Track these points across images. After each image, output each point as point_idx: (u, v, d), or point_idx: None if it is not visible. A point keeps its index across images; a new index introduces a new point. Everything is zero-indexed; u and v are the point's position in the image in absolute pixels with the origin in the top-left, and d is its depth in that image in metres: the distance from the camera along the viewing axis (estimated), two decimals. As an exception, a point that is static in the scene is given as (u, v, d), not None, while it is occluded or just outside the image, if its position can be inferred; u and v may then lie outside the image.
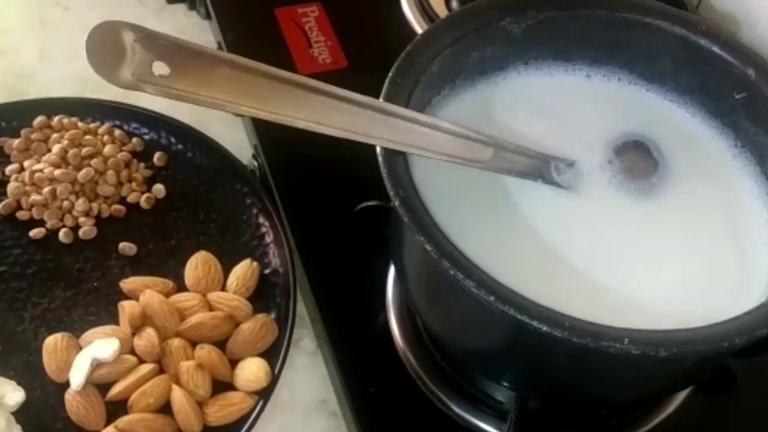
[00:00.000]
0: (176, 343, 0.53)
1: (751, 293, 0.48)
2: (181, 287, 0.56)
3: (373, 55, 0.70)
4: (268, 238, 0.58)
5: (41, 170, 0.60)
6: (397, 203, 0.44)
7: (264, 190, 0.59)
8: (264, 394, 0.52)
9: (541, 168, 0.51)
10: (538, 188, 0.51)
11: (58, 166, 0.60)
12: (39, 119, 0.63)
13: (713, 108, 0.54)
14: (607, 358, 0.45)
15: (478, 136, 0.49)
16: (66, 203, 0.60)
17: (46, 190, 0.60)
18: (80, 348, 0.54)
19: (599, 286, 0.48)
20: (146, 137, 0.64)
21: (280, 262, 0.56)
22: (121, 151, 0.62)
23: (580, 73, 0.56)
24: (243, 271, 0.56)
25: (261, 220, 0.59)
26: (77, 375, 0.52)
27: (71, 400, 0.52)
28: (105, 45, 0.39)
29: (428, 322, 0.56)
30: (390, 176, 0.45)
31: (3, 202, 0.60)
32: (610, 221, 0.51)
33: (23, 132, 0.63)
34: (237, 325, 0.54)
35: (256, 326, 0.53)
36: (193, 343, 0.53)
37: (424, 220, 0.44)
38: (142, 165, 0.63)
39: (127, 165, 0.62)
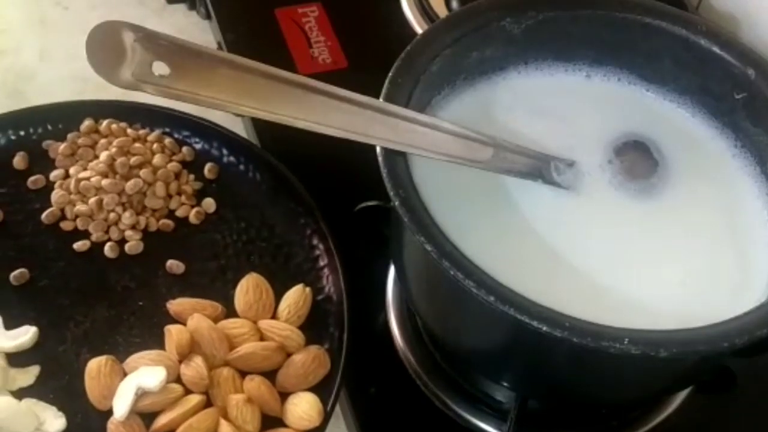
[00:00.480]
0: (225, 373, 0.50)
1: (751, 293, 0.48)
2: (230, 311, 0.53)
3: (373, 55, 0.70)
4: (322, 262, 0.55)
5: (88, 178, 0.57)
6: (397, 203, 0.44)
7: (319, 210, 0.56)
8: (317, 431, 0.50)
9: (541, 168, 0.51)
10: (538, 188, 0.51)
11: (105, 175, 0.57)
12: (86, 123, 0.60)
13: (713, 108, 0.54)
14: (607, 358, 0.45)
15: (478, 136, 0.49)
16: (112, 215, 0.57)
17: (92, 200, 0.56)
18: (124, 373, 0.51)
19: (599, 286, 0.48)
20: (197, 147, 0.60)
21: (334, 288, 0.53)
22: (171, 161, 0.58)
23: (580, 73, 0.56)
24: (296, 297, 0.53)
25: (315, 242, 0.55)
26: (121, 404, 0.49)
27: (114, 430, 0.49)
28: (105, 45, 0.39)
29: (428, 322, 0.56)
30: (390, 176, 0.45)
31: (47, 211, 0.57)
32: (610, 221, 0.51)
33: (69, 136, 0.60)
34: (288, 355, 0.51)
35: (308, 359, 0.51)
36: (242, 373, 0.51)
37: (424, 220, 0.44)
38: (192, 177, 0.59)
39: (177, 176, 0.59)
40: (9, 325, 0.53)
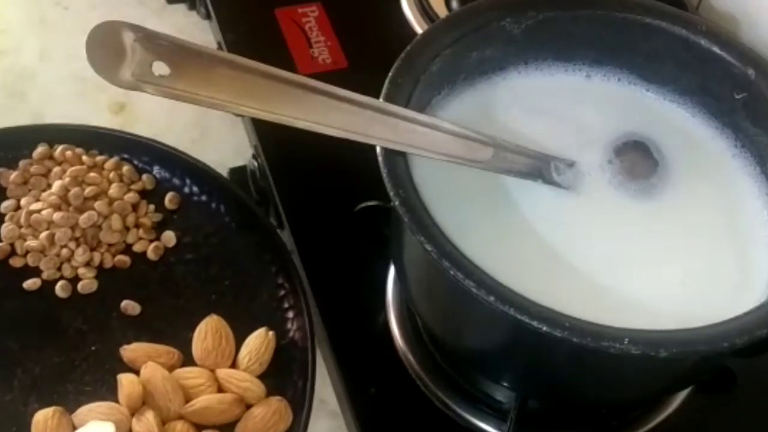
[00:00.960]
0: (179, 427, 0.48)
1: (751, 293, 0.48)
2: (187, 356, 0.51)
3: (373, 55, 0.70)
4: (287, 303, 0.52)
5: (39, 211, 0.54)
6: (397, 203, 0.44)
7: (285, 247, 0.53)
8: None
9: (541, 168, 0.51)
10: (538, 188, 0.51)
11: (57, 208, 0.54)
12: (39, 149, 0.57)
13: (713, 108, 0.54)
14: (607, 359, 0.45)
15: (478, 136, 0.49)
16: (65, 251, 0.53)
17: (43, 235, 0.53)
18: (73, 426, 0.48)
19: (599, 286, 0.48)
20: (158, 175, 0.57)
21: (299, 332, 0.50)
22: (129, 190, 0.56)
23: (580, 73, 0.56)
24: (257, 343, 0.50)
25: (280, 280, 0.52)
26: None
27: None
28: (105, 45, 0.39)
29: (428, 323, 0.56)
30: (390, 176, 0.45)
31: None
32: (610, 221, 0.51)
33: (21, 164, 0.56)
34: (247, 407, 0.49)
35: (268, 412, 0.48)
36: (198, 427, 0.48)
37: (424, 220, 0.44)
38: (151, 207, 0.56)
39: (135, 208, 0.56)
40: None
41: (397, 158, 0.46)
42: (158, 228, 0.55)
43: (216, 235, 0.55)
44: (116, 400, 0.49)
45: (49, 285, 0.54)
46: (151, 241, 0.55)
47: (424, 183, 0.47)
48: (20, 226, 0.54)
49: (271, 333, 0.51)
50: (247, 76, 0.42)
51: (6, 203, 0.55)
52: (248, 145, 0.71)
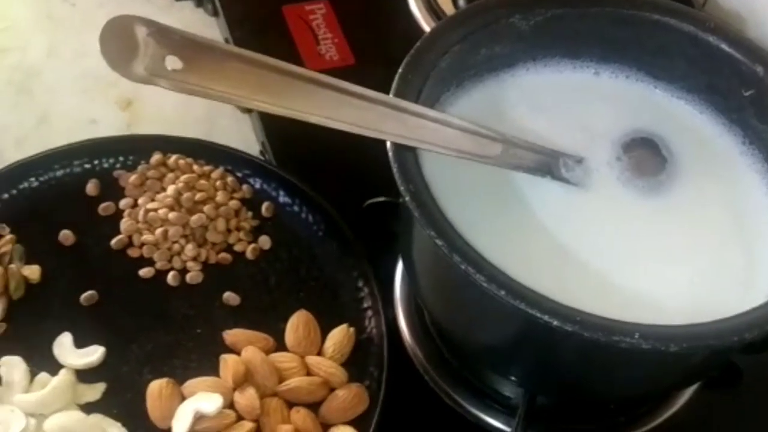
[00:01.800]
0: (274, 403, 0.54)
1: (759, 289, 0.48)
2: (279, 344, 0.57)
3: (379, 52, 0.71)
4: (366, 304, 0.58)
5: (155, 210, 0.61)
6: (407, 198, 0.44)
7: (365, 254, 0.59)
8: None
9: (550, 164, 0.51)
10: (547, 185, 0.51)
11: (171, 208, 0.61)
12: (156, 157, 0.64)
13: (721, 105, 0.55)
14: (616, 354, 0.45)
15: (487, 132, 0.49)
16: (176, 246, 0.60)
17: (158, 230, 0.60)
18: (183, 396, 0.54)
19: (607, 282, 0.48)
20: (256, 186, 0.64)
21: (376, 330, 0.57)
22: (232, 198, 0.62)
23: (588, 70, 0.56)
24: (340, 336, 0.56)
25: (360, 284, 0.59)
26: (181, 426, 0.52)
27: None
28: (118, 39, 0.39)
29: (437, 318, 0.56)
30: (400, 171, 0.45)
31: (116, 238, 0.61)
32: (619, 218, 0.51)
33: (140, 168, 0.63)
34: (331, 390, 0.55)
35: (349, 395, 0.54)
36: (289, 404, 0.54)
37: (434, 215, 0.44)
38: (250, 214, 0.63)
39: (237, 213, 0.62)
40: (79, 343, 0.56)
41: (408, 154, 0.46)
42: (255, 232, 0.62)
43: (305, 240, 0.62)
44: (218, 377, 0.55)
45: (161, 274, 0.60)
46: (250, 242, 0.61)
47: (433, 179, 0.47)
48: (137, 222, 0.61)
49: (351, 329, 0.57)
50: (259, 71, 0.42)
51: (124, 201, 0.62)
52: (256, 141, 0.72)
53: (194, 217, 0.60)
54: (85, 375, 0.56)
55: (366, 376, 0.56)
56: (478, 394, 0.58)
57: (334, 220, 0.61)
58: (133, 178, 0.63)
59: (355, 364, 0.56)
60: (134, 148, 0.65)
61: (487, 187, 0.50)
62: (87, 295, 0.58)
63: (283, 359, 0.56)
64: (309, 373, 0.56)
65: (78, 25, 0.81)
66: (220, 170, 0.64)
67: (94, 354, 0.56)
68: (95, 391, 0.55)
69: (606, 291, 0.48)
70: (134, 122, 0.74)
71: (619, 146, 0.53)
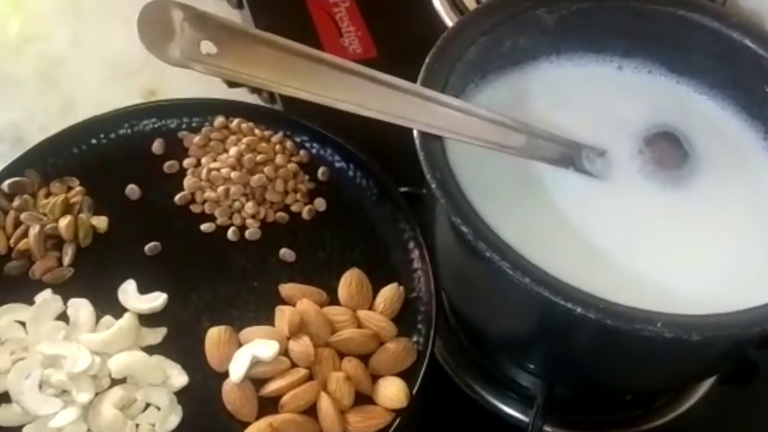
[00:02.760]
0: (326, 353, 0.56)
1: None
2: (332, 299, 0.59)
3: (402, 46, 0.72)
4: (416, 265, 0.60)
5: (218, 169, 0.63)
6: (434, 185, 0.45)
7: (415, 218, 0.61)
8: (401, 412, 0.55)
9: (572, 156, 0.52)
10: (570, 176, 0.51)
11: (233, 168, 0.63)
12: (219, 120, 0.66)
13: (743, 100, 0.55)
14: (636, 343, 0.46)
15: (511, 122, 0.50)
16: (237, 203, 0.63)
17: (220, 188, 0.63)
18: (239, 343, 0.56)
19: (627, 272, 0.48)
20: (313, 151, 0.66)
21: (425, 290, 0.58)
22: (290, 161, 0.65)
23: (612, 64, 0.57)
24: (391, 293, 0.58)
25: (410, 246, 0.60)
26: (237, 369, 0.54)
27: (229, 391, 0.54)
28: (155, 23, 0.40)
29: (458, 308, 0.56)
30: (427, 159, 0.46)
31: (179, 194, 0.63)
32: (640, 209, 0.52)
33: (204, 130, 0.66)
34: (381, 343, 0.57)
35: (399, 348, 0.56)
36: (341, 354, 0.56)
37: (460, 203, 0.45)
38: (307, 177, 0.65)
39: (295, 176, 0.65)
40: (142, 290, 0.58)
41: (434, 142, 0.47)
42: (312, 194, 0.64)
43: (359, 203, 0.64)
44: (274, 327, 0.57)
45: (221, 230, 0.62)
46: (306, 204, 0.63)
47: (458, 168, 0.48)
48: (200, 180, 0.64)
49: (401, 288, 0.58)
50: (290, 57, 0.43)
51: (188, 160, 0.65)
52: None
53: (255, 177, 0.63)
54: (147, 320, 0.58)
55: (414, 332, 0.57)
56: (497, 384, 0.59)
57: (387, 186, 0.63)
58: (197, 139, 0.65)
59: (404, 320, 0.58)
60: (199, 111, 0.68)
61: (511, 178, 0.51)
62: (151, 246, 0.61)
63: (336, 312, 0.58)
64: (360, 327, 0.58)
65: (101, 15, 0.82)
66: (279, 135, 0.66)
67: (157, 300, 0.58)
68: (157, 335, 0.57)
69: (626, 281, 0.48)
70: (157, 111, 0.75)
71: (641, 140, 0.54)
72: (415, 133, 0.47)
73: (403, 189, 0.59)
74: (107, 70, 0.77)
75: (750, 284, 0.49)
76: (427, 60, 0.49)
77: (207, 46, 0.41)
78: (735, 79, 0.55)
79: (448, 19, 0.74)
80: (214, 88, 0.66)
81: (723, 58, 0.54)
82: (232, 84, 0.61)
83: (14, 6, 0.83)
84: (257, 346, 0.55)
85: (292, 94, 0.44)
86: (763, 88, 0.53)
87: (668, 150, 0.54)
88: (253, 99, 0.72)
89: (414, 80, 0.48)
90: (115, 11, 0.80)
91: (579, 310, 0.42)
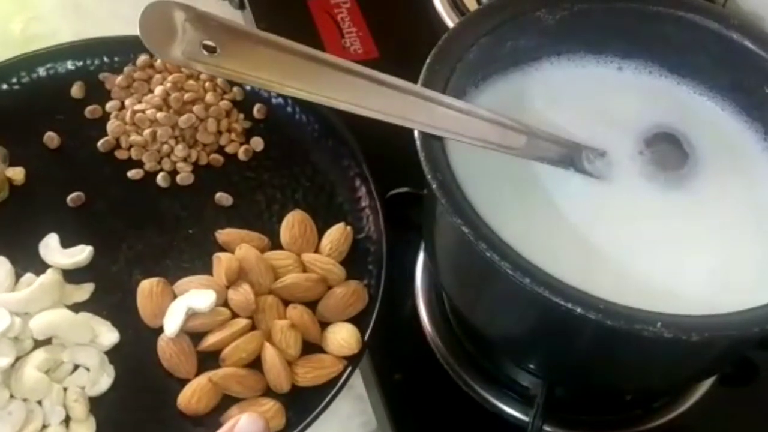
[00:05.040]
0: (269, 300, 0.53)
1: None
2: (275, 244, 0.56)
3: (403, 47, 0.72)
4: (363, 203, 0.57)
5: (143, 111, 0.60)
6: (434, 186, 0.45)
7: (360, 153, 0.58)
8: (353, 360, 0.52)
9: (573, 157, 0.52)
10: (570, 177, 0.51)
11: (159, 109, 0.59)
12: (142, 58, 0.62)
13: (744, 101, 0.55)
14: (636, 343, 0.46)
15: (512, 123, 0.50)
16: (165, 147, 0.59)
17: (146, 131, 0.59)
18: (174, 295, 0.53)
19: (628, 274, 0.49)
20: (247, 87, 0.62)
21: (374, 228, 0.56)
22: (222, 99, 0.61)
23: (612, 65, 0.57)
24: (337, 234, 0.55)
25: (357, 183, 0.57)
26: (172, 323, 0.51)
27: (164, 346, 0.52)
28: (157, 23, 0.40)
29: (458, 308, 0.56)
30: (427, 160, 0.46)
31: (103, 140, 0.60)
32: (640, 210, 0.52)
33: (126, 69, 0.62)
34: (329, 288, 0.54)
35: (348, 291, 0.53)
36: (285, 302, 0.53)
37: (461, 204, 0.45)
38: (241, 116, 0.62)
39: (228, 114, 0.61)
40: (65, 244, 0.55)
41: (435, 143, 0.47)
42: (248, 134, 0.61)
43: (299, 141, 0.60)
44: (211, 276, 0.55)
45: (150, 176, 0.59)
46: (242, 144, 0.60)
47: (459, 168, 0.48)
48: (125, 123, 0.60)
49: (348, 228, 0.56)
50: (292, 58, 0.43)
51: (111, 103, 0.61)
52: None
53: (183, 118, 0.59)
54: (72, 276, 0.55)
55: (365, 275, 0.55)
56: (497, 384, 0.59)
57: (330, 121, 0.59)
58: (119, 79, 0.62)
59: (353, 263, 0.55)
60: (120, 50, 0.64)
61: (512, 178, 0.51)
62: (73, 197, 0.57)
63: (279, 257, 0.55)
64: (305, 271, 0.55)
65: (104, 16, 0.82)
66: None
67: (82, 253, 0.55)
68: (83, 292, 0.54)
69: (626, 281, 0.48)
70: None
71: (641, 141, 0.54)
72: (415, 133, 0.47)
73: (403, 189, 0.59)
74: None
75: (750, 285, 0.49)
76: (428, 60, 0.50)
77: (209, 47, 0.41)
78: (735, 80, 0.55)
79: (449, 20, 0.75)
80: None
81: (723, 60, 0.54)
82: (233, 84, 0.61)
83: (18, 5, 0.83)
84: (193, 297, 0.52)
85: (294, 94, 0.44)
86: (763, 89, 0.53)
87: (668, 151, 0.54)
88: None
89: (415, 81, 0.48)
90: (117, 11, 0.80)
91: (579, 310, 0.42)
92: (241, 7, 0.78)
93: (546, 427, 0.55)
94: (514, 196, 0.51)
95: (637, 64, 0.57)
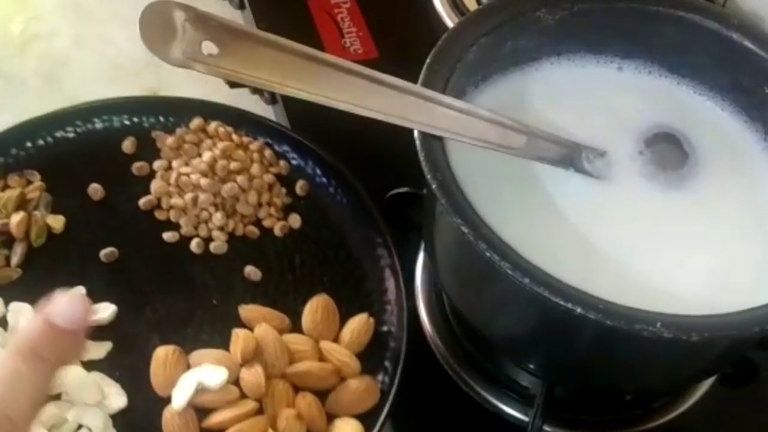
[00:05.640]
0: (280, 385, 0.52)
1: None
2: (296, 325, 0.55)
3: (403, 47, 0.72)
4: (390, 296, 0.56)
5: (188, 174, 0.59)
6: (434, 186, 0.45)
7: (394, 247, 0.57)
8: None
9: (573, 157, 0.52)
10: (570, 177, 0.51)
11: (205, 175, 0.59)
12: (196, 122, 0.62)
13: (743, 102, 0.55)
14: (636, 343, 0.46)
15: (512, 123, 0.50)
16: (204, 213, 0.59)
17: (188, 195, 0.59)
18: (188, 365, 0.53)
19: (628, 274, 0.49)
20: (293, 162, 0.62)
21: (396, 324, 0.55)
22: (267, 172, 0.60)
23: (612, 65, 0.57)
24: (359, 325, 0.54)
25: (386, 274, 0.56)
26: (180, 395, 0.51)
27: (170, 418, 0.51)
28: (157, 23, 0.40)
29: (458, 308, 0.56)
30: (427, 160, 0.46)
31: (145, 198, 0.59)
32: (640, 210, 0.52)
33: (179, 131, 0.62)
34: (342, 380, 0.53)
35: (360, 387, 0.52)
36: (296, 388, 0.53)
37: (461, 204, 0.45)
38: (283, 190, 0.61)
39: (270, 188, 0.60)
40: (91, 299, 0.54)
41: (434, 143, 0.47)
42: (287, 210, 0.60)
43: (336, 224, 0.60)
44: (228, 351, 0.54)
45: (185, 240, 0.59)
46: (279, 219, 0.59)
47: (459, 169, 0.48)
48: (169, 184, 0.60)
49: (371, 319, 0.55)
50: (292, 58, 0.43)
51: (159, 162, 0.61)
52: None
53: (226, 186, 0.59)
54: (92, 332, 0.54)
55: (380, 370, 0.54)
56: (497, 384, 0.59)
57: (368, 207, 0.59)
58: (170, 140, 0.61)
59: (371, 356, 0.54)
60: (176, 110, 0.64)
61: (511, 178, 0.51)
62: (107, 252, 0.57)
63: (297, 341, 0.54)
64: (321, 359, 0.54)
65: (104, 16, 0.82)
66: (259, 142, 0.62)
67: (105, 311, 0.55)
68: (100, 350, 0.54)
69: (625, 281, 0.48)
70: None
71: (641, 140, 0.54)
72: (415, 133, 0.47)
73: (403, 189, 0.59)
74: (110, 70, 0.78)
75: (749, 285, 0.49)
76: (427, 60, 0.50)
77: (208, 47, 0.41)
78: (735, 80, 0.55)
79: (449, 20, 0.75)
80: (215, 88, 0.65)
81: (723, 60, 0.54)
82: (233, 84, 0.60)
83: (18, 5, 0.83)
84: (204, 372, 0.51)
85: (293, 94, 0.44)
86: (763, 89, 0.53)
87: (668, 151, 0.54)
88: (253, 100, 0.71)
89: (415, 81, 0.48)
90: (117, 12, 0.80)
91: (578, 310, 0.42)
92: (241, 7, 0.78)
93: (546, 427, 0.55)
94: (514, 196, 0.51)
95: (637, 64, 0.57)
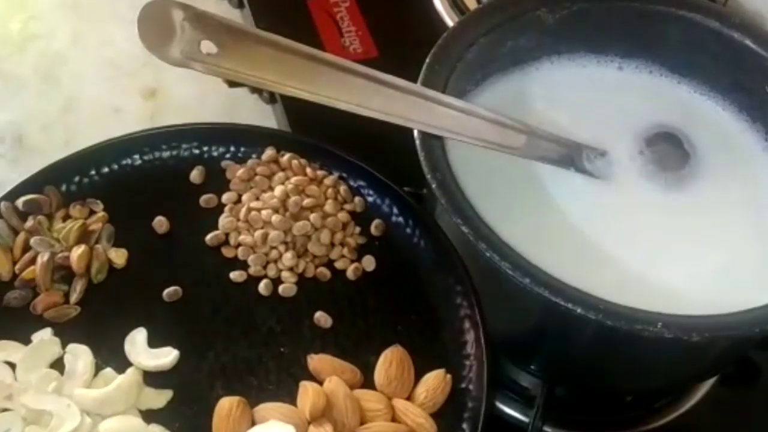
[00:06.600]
0: None
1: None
2: (367, 379, 0.51)
3: (403, 46, 0.72)
4: (470, 350, 0.51)
5: (258, 210, 0.56)
6: (434, 186, 0.45)
7: (477, 293, 0.52)
8: None
9: (573, 156, 0.52)
10: (570, 176, 0.51)
11: (276, 211, 0.55)
12: (268, 153, 0.58)
13: (744, 101, 0.55)
14: (636, 344, 0.46)
15: (512, 122, 0.50)
16: (274, 252, 0.55)
17: (258, 233, 0.55)
18: (253, 420, 0.49)
19: (629, 273, 0.48)
20: (369, 199, 0.58)
21: (476, 381, 0.50)
22: (342, 209, 0.57)
23: (612, 64, 0.57)
24: (435, 382, 0.50)
25: (466, 326, 0.52)
26: None
27: None
28: (155, 23, 0.40)
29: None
30: (427, 159, 0.46)
31: (212, 234, 0.56)
32: (640, 210, 0.52)
33: (250, 162, 0.58)
34: None
35: None
36: None
37: (460, 203, 0.45)
38: (358, 230, 0.57)
39: (344, 227, 0.57)
40: (152, 342, 0.52)
41: (434, 142, 0.47)
42: (361, 250, 0.56)
43: (413, 268, 0.55)
44: (294, 404, 0.50)
45: (252, 280, 0.55)
46: (353, 261, 0.56)
47: (459, 168, 0.48)
48: (238, 220, 0.56)
49: (449, 376, 0.51)
50: (291, 58, 0.43)
51: (228, 195, 0.57)
52: (278, 132, 0.72)
53: (298, 224, 0.55)
54: (152, 378, 0.51)
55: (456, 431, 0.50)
56: (498, 385, 0.58)
57: (449, 251, 0.54)
58: (241, 171, 0.58)
59: (447, 415, 0.50)
60: (248, 140, 0.60)
61: (512, 178, 0.51)
62: (170, 291, 0.54)
63: (369, 398, 0.50)
64: (394, 419, 0.50)
65: (102, 15, 0.81)
66: (333, 177, 0.58)
67: (167, 356, 0.51)
68: (161, 398, 0.50)
69: (626, 281, 0.48)
70: (157, 112, 0.75)
71: (642, 140, 0.54)
72: (415, 133, 0.47)
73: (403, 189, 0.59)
74: (108, 70, 0.77)
75: (750, 285, 0.49)
76: (427, 60, 0.50)
77: (207, 46, 0.41)
78: (736, 79, 0.55)
79: (449, 19, 0.74)
80: (214, 87, 0.64)
81: (724, 59, 0.54)
82: (232, 84, 0.59)
83: (17, 4, 0.83)
84: (271, 429, 0.48)
85: (293, 93, 0.44)
86: (764, 89, 0.53)
87: (669, 151, 0.54)
88: (252, 99, 0.70)
89: (415, 80, 0.48)
90: (115, 11, 0.80)
91: (579, 310, 0.42)
92: (240, 6, 0.78)
93: (546, 428, 0.55)
94: (514, 195, 0.50)
95: (637, 63, 0.57)
